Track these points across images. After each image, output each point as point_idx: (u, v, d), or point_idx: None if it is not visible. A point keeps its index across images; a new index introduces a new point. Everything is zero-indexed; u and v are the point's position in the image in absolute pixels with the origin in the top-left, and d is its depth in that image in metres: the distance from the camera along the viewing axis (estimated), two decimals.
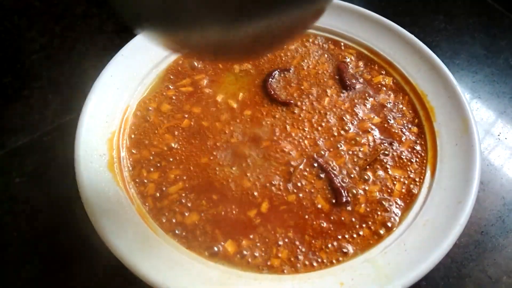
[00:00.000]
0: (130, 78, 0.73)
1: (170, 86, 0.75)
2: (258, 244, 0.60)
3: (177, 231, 0.61)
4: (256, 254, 0.59)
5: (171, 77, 0.77)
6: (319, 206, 0.63)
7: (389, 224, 0.62)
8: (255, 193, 0.64)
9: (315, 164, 0.66)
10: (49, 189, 0.78)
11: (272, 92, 0.74)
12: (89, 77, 0.94)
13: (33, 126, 0.87)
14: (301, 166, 0.66)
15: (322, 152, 0.68)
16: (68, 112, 0.89)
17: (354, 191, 0.64)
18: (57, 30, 1.03)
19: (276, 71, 0.77)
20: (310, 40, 0.82)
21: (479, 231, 0.75)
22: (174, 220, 0.62)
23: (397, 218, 0.62)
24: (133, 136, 0.70)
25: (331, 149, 0.68)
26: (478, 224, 0.76)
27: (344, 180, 0.65)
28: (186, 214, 0.62)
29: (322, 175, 0.65)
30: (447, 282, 0.70)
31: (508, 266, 0.71)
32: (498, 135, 0.86)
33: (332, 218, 0.62)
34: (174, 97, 0.74)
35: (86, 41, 1.01)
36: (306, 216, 0.62)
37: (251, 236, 0.60)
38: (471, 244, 0.74)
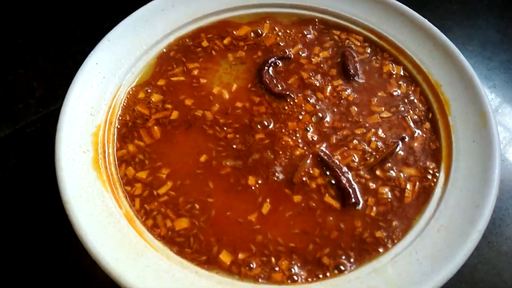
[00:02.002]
0: (117, 66, 0.67)
1: (160, 75, 0.69)
2: (257, 254, 0.55)
3: (167, 237, 0.56)
4: (253, 265, 0.54)
5: (162, 65, 0.70)
6: (327, 207, 0.58)
7: (400, 229, 0.56)
8: (256, 192, 0.59)
9: (320, 162, 0.61)
10: (32, 185, 0.74)
11: (268, 82, 0.67)
12: (76, 63, 0.88)
13: (17, 115, 0.82)
14: (307, 162, 0.60)
15: (327, 149, 0.62)
16: (53, 101, 0.83)
17: (363, 192, 0.59)
18: (42, 12, 0.97)
19: (273, 59, 0.70)
20: (312, 24, 0.76)
21: (494, 232, 0.70)
22: (164, 225, 0.56)
23: (408, 223, 0.57)
24: (120, 130, 0.64)
25: (337, 146, 0.62)
26: (493, 224, 0.71)
27: (352, 180, 0.60)
28: (177, 218, 0.57)
29: (328, 174, 0.60)
30: None
31: None
32: None
33: (339, 221, 0.57)
34: (164, 87, 0.68)
35: (73, 24, 0.95)
36: (313, 220, 0.57)
37: (250, 245, 0.55)
38: (485, 246, 0.69)
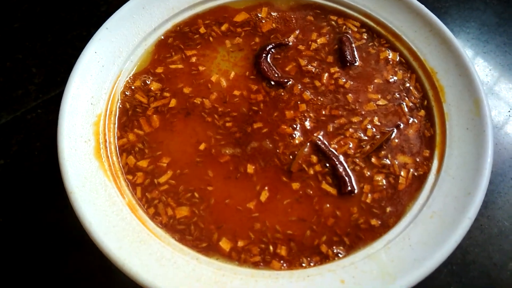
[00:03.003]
0: (116, 54, 0.68)
1: (159, 63, 0.70)
2: (255, 241, 0.56)
3: (168, 225, 0.57)
4: (252, 252, 0.56)
5: (160, 52, 0.71)
6: (324, 194, 0.59)
7: (394, 216, 0.58)
8: (254, 180, 0.60)
9: (317, 151, 0.62)
10: (33, 172, 0.75)
11: (266, 70, 0.68)
12: (75, 48, 0.88)
13: (16, 102, 0.82)
14: (305, 150, 0.62)
15: (323, 137, 0.63)
16: (53, 87, 0.84)
17: (359, 180, 0.61)
18: None
19: (270, 46, 0.70)
20: (309, 9, 0.75)
21: (485, 215, 0.72)
22: (165, 213, 0.58)
23: (402, 209, 0.58)
24: (120, 118, 0.65)
25: (334, 134, 0.64)
26: (485, 207, 0.72)
27: (348, 168, 0.61)
28: (178, 206, 0.59)
29: (325, 162, 0.61)
30: (451, 269, 0.67)
31: None
32: (509, 111, 0.81)
33: (335, 208, 0.58)
34: (163, 75, 0.68)
35: (70, 8, 0.94)
36: (310, 208, 0.59)
37: (249, 233, 0.57)
38: (476, 229, 0.71)
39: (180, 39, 0.72)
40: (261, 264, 0.55)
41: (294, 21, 0.74)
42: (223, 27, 0.73)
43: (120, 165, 0.61)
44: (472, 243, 0.70)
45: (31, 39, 0.90)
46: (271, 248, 0.56)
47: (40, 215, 0.71)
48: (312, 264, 0.55)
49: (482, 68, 0.87)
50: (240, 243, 0.56)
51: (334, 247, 0.56)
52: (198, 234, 0.57)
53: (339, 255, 0.56)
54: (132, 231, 0.55)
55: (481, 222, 0.71)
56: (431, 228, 0.55)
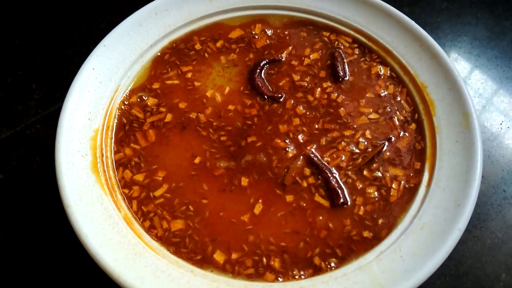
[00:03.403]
0: (113, 70, 0.69)
1: (155, 79, 0.71)
2: (249, 253, 0.57)
3: (163, 238, 0.58)
4: (247, 264, 0.57)
5: (157, 68, 0.72)
6: (317, 207, 0.60)
7: (386, 227, 0.59)
8: (248, 192, 0.61)
9: (310, 163, 0.63)
10: (32, 187, 0.76)
11: (260, 85, 0.69)
12: (74, 64, 0.90)
13: (16, 117, 0.84)
14: (298, 163, 0.63)
15: (316, 150, 0.64)
16: (52, 103, 0.85)
17: (351, 192, 0.62)
18: (39, 13, 0.98)
19: (264, 61, 0.72)
20: (302, 26, 0.77)
21: (478, 227, 0.73)
22: (160, 226, 0.59)
23: (394, 221, 0.59)
24: (117, 133, 0.66)
25: (327, 147, 0.65)
26: (477, 218, 0.73)
27: (341, 181, 0.62)
28: (173, 219, 0.60)
29: (318, 175, 0.62)
30: (444, 281, 0.68)
31: (507, 263, 0.69)
32: (501, 123, 0.83)
33: (328, 221, 0.59)
34: (159, 90, 0.70)
35: (70, 25, 0.96)
36: (304, 220, 0.60)
37: (243, 245, 0.58)
38: (469, 240, 0.72)
39: (176, 56, 0.74)
40: (255, 276, 0.56)
41: (287, 37, 0.76)
42: (218, 44, 0.75)
43: (117, 179, 0.63)
44: (465, 254, 0.70)
45: (31, 56, 0.92)
46: (264, 260, 0.57)
47: (38, 229, 0.72)
48: (305, 276, 0.56)
49: (474, 82, 0.88)
50: (234, 256, 0.57)
51: (326, 259, 0.57)
52: (193, 246, 0.58)
53: (332, 267, 0.56)
54: (128, 244, 0.56)
55: (474, 233, 0.72)
56: (422, 239, 0.56)
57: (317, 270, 0.56)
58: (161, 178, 0.62)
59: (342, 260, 0.57)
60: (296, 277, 0.56)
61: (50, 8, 0.99)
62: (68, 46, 0.93)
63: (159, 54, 0.74)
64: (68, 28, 0.96)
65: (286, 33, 0.76)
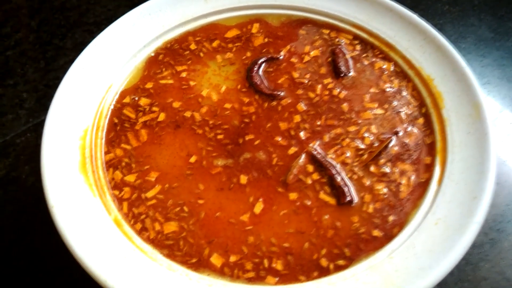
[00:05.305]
0: (104, 70, 0.66)
1: (149, 78, 0.68)
2: (249, 256, 0.53)
3: (156, 240, 0.54)
4: (247, 267, 0.52)
5: (151, 69, 0.69)
6: (322, 205, 0.56)
7: (397, 225, 0.54)
8: (247, 191, 0.57)
9: (313, 160, 0.59)
10: (22, 196, 0.72)
11: (258, 83, 0.66)
12: (66, 73, 0.87)
13: (6, 127, 0.81)
14: (300, 161, 0.59)
15: (320, 147, 0.61)
16: (43, 111, 0.82)
17: (358, 189, 0.57)
18: (33, 24, 0.97)
19: (262, 59, 0.69)
20: (301, 24, 0.75)
21: (495, 229, 0.68)
22: (152, 228, 0.55)
23: (405, 217, 0.55)
24: (108, 133, 0.63)
25: (330, 144, 0.61)
26: (493, 220, 0.69)
27: (347, 178, 0.58)
28: (166, 221, 0.55)
29: (322, 172, 0.58)
30: (461, 287, 0.63)
31: None
32: (511, 123, 0.79)
33: (335, 220, 0.55)
34: (152, 90, 0.67)
35: (63, 35, 0.94)
36: (308, 219, 0.55)
37: (242, 247, 0.53)
38: (487, 243, 0.67)
39: (170, 56, 0.71)
40: (256, 279, 0.51)
41: (286, 35, 0.73)
42: (214, 43, 0.72)
43: (107, 180, 0.59)
44: (483, 258, 0.66)
45: (23, 66, 0.89)
46: (265, 262, 0.52)
47: (26, 239, 0.68)
48: (311, 278, 0.51)
49: (479, 82, 0.85)
50: (233, 258, 0.53)
51: (334, 260, 0.52)
52: (188, 249, 0.53)
53: (340, 267, 0.52)
54: (117, 247, 0.52)
55: (490, 236, 0.67)
56: (437, 235, 0.51)
57: (324, 272, 0.52)
58: (153, 179, 0.58)
59: (351, 260, 0.52)
60: (301, 279, 0.51)
61: (44, 19, 0.97)
62: (61, 56, 0.91)
63: (153, 54, 0.71)
64: (61, 39, 0.94)
65: (284, 31, 0.74)
